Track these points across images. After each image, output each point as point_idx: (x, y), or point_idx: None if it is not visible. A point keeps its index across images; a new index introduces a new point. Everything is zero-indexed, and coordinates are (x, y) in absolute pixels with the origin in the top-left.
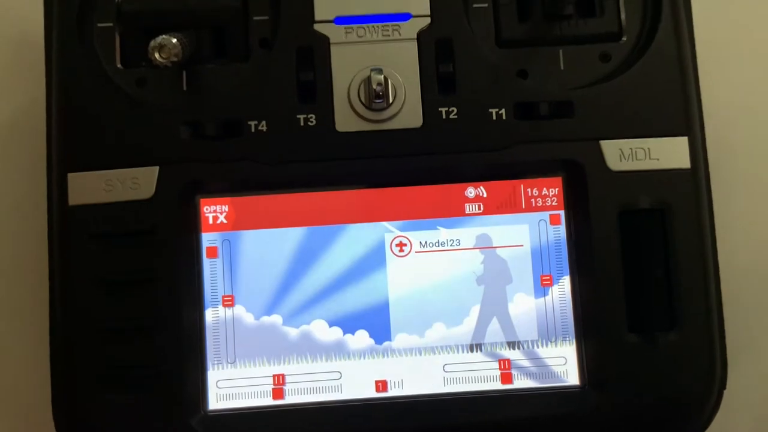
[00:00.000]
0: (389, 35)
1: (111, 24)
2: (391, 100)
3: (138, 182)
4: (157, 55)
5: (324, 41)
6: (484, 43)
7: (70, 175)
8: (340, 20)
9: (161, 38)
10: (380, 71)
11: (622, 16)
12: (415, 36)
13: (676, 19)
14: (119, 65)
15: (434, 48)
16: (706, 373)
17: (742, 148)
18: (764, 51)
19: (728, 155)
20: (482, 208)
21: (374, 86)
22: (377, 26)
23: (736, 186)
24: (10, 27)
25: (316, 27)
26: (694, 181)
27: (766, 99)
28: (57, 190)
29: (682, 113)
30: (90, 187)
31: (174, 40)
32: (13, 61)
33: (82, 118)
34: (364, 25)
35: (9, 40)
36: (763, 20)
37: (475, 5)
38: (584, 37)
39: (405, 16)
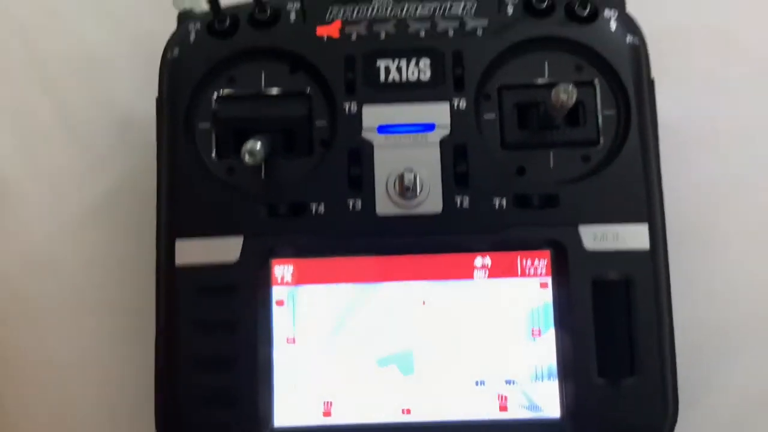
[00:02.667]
0: (418, 141)
1: (209, 125)
2: (418, 192)
3: (227, 249)
4: (247, 158)
5: (369, 145)
6: (491, 145)
7: (177, 241)
8: (381, 129)
9: (250, 145)
10: (411, 171)
11: (600, 127)
12: (438, 142)
13: (642, 130)
14: (214, 157)
15: (452, 152)
16: (660, 411)
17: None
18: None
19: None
20: (487, 274)
21: (406, 182)
22: (409, 135)
23: (695, 256)
24: (117, 109)
25: (364, 134)
26: (653, 259)
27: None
28: (165, 252)
29: (644, 204)
30: (192, 251)
31: (258, 147)
32: (118, 139)
33: (186, 198)
34: (400, 134)
35: (115, 120)
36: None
37: (485, 116)
38: (570, 142)
39: (430, 127)
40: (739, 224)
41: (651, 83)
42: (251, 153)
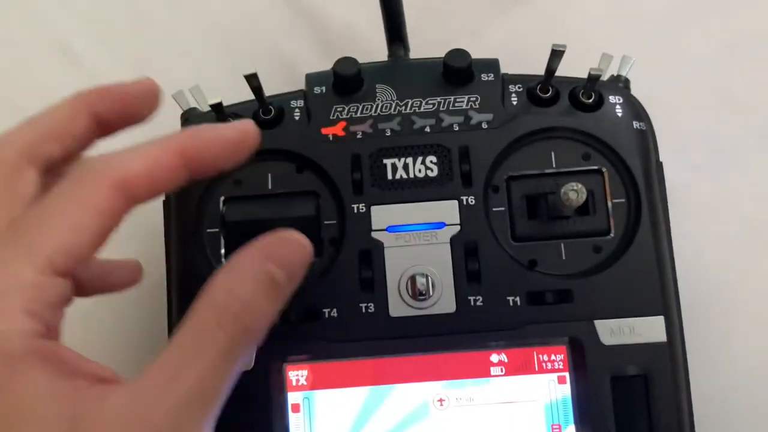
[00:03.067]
0: (428, 240)
1: (217, 229)
2: (431, 294)
3: None
4: None
5: (379, 245)
6: (502, 239)
7: None
8: (391, 228)
9: None
10: (424, 275)
11: (610, 216)
12: (449, 241)
13: (653, 218)
14: (224, 260)
15: (463, 250)
16: None
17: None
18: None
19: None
20: (504, 371)
21: (419, 286)
22: (419, 233)
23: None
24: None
25: (373, 234)
26: (671, 352)
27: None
28: None
29: (659, 297)
30: None
31: None
32: (145, 248)
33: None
34: (409, 233)
35: (140, 231)
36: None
37: (494, 209)
38: (580, 232)
39: (440, 225)
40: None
41: (659, 166)
42: None
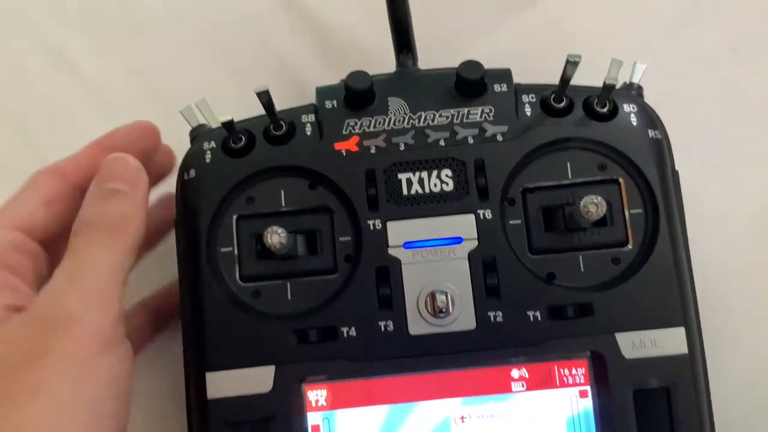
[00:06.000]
0: (446, 255)
1: (231, 248)
2: (451, 311)
3: (259, 379)
4: (271, 239)
5: (397, 262)
6: (519, 252)
7: (208, 374)
8: (408, 245)
9: (272, 228)
10: (442, 291)
11: (628, 227)
12: (466, 256)
13: (671, 229)
14: (239, 280)
15: (482, 265)
16: None
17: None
18: None
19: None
20: (525, 386)
21: (438, 304)
22: (436, 249)
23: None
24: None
25: (390, 251)
26: (692, 363)
27: None
28: (195, 386)
29: (679, 307)
30: (223, 384)
31: (281, 229)
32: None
33: (214, 330)
34: (427, 248)
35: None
36: None
37: (511, 222)
38: (598, 244)
39: (458, 240)
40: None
41: (675, 174)
42: (275, 232)
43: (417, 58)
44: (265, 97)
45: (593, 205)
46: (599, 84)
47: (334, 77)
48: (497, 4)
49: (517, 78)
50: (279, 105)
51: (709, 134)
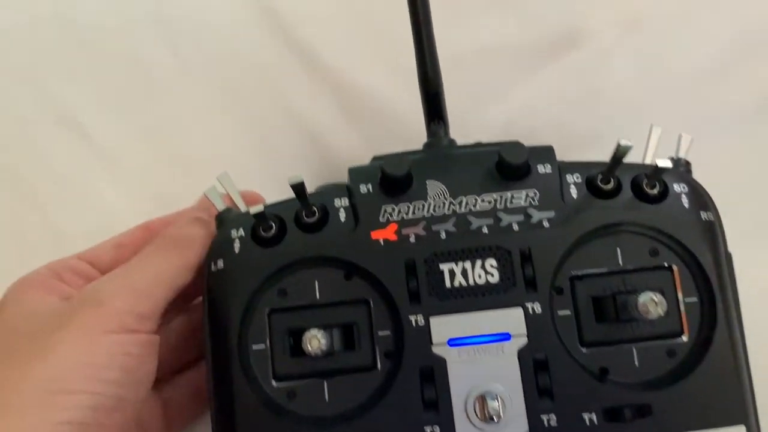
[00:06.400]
0: (494, 353)
1: (263, 346)
2: (502, 416)
3: None
4: (311, 346)
5: (442, 362)
6: (570, 346)
7: None
8: (453, 342)
9: (312, 332)
10: (494, 396)
11: (683, 316)
12: (516, 353)
13: (728, 319)
14: (273, 381)
15: (532, 364)
16: None
17: None
18: None
19: None
20: None
21: (490, 410)
22: (484, 347)
23: None
24: None
25: (434, 349)
26: None
27: None
28: None
29: (740, 404)
30: None
31: (320, 333)
32: None
33: (245, 429)
34: (473, 346)
35: None
36: None
37: (560, 313)
38: (652, 335)
39: (506, 336)
40: None
41: (729, 257)
42: (314, 336)
43: (449, 126)
44: (299, 188)
45: (652, 304)
46: (626, 137)
47: (359, 140)
48: (522, 57)
49: (546, 134)
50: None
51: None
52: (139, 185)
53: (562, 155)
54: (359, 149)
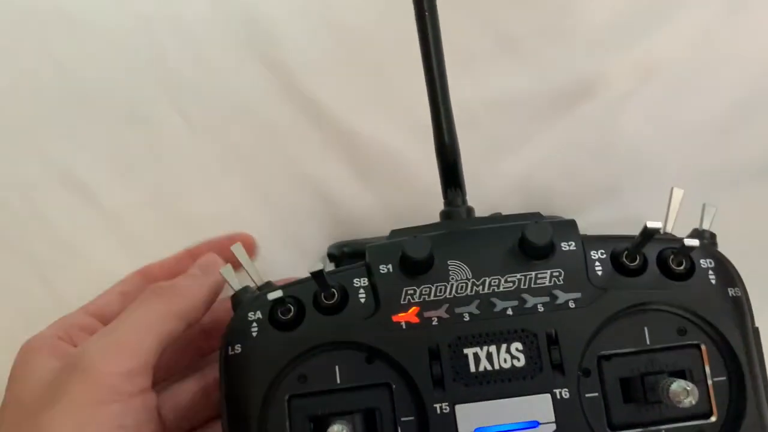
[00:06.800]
0: None
1: None
2: None
3: None
4: None
5: None
6: (599, 429)
7: None
8: (480, 431)
9: (336, 428)
10: None
11: (712, 396)
12: None
13: (758, 399)
14: None
15: None
16: None
17: None
18: None
19: None
20: None
21: None
22: None
23: None
24: None
25: None
26: None
27: None
28: None
29: None
30: None
31: (345, 430)
32: None
33: None
34: None
35: None
36: None
37: (587, 395)
38: (681, 416)
39: (534, 424)
40: None
41: (756, 332)
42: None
43: (466, 193)
44: (318, 275)
45: (684, 393)
46: (643, 189)
47: (371, 197)
48: (536, 109)
49: (562, 187)
50: (312, 228)
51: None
52: (144, 247)
53: (578, 208)
54: (372, 206)
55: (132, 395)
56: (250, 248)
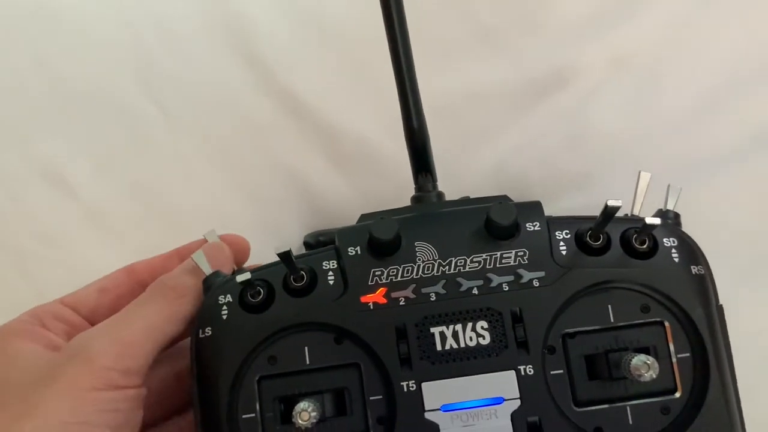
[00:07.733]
0: (488, 418)
1: (253, 414)
2: None
3: None
4: (300, 419)
5: (435, 428)
6: (564, 405)
7: None
8: (446, 407)
9: (301, 406)
10: None
11: (676, 373)
12: (509, 416)
13: (722, 374)
14: None
15: (526, 426)
16: None
17: None
18: None
19: None
20: None
21: None
22: (477, 411)
23: None
24: None
25: (427, 415)
26: None
27: None
28: None
29: None
30: None
31: (309, 406)
32: None
33: None
34: (466, 411)
35: None
36: None
37: (552, 372)
38: (645, 392)
39: (499, 400)
40: None
41: (720, 310)
42: (304, 410)
43: (436, 178)
44: (286, 257)
45: (645, 367)
46: (616, 177)
47: (348, 187)
48: (508, 100)
49: (536, 176)
50: (291, 218)
51: (737, 234)
52: (125, 241)
53: (552, 196)
54: (348, 196)
55: (127, 388)
56: (244, 252)
